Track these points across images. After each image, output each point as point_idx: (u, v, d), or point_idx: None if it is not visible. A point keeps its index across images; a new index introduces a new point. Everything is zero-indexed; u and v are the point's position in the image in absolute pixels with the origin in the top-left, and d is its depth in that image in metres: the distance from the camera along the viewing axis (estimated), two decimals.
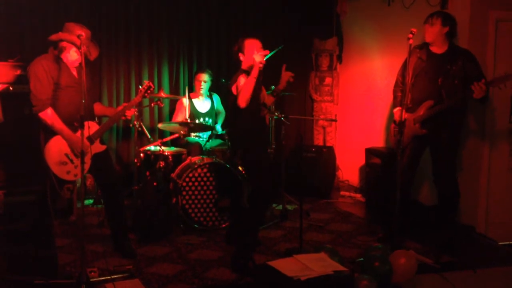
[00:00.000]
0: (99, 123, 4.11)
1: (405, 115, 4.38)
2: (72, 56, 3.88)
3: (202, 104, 5.85)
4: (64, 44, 3.86)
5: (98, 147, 4.02)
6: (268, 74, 6.19)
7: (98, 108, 4.28)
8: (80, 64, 3.73)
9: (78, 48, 3.74)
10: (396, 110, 4.57)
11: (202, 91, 5.79)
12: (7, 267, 3.68)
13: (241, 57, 4.16)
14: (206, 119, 5.78)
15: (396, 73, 4.72)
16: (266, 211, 4.89)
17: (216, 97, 6.00)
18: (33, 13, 5.48)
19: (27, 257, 3.84)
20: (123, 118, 4.20)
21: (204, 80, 5.76)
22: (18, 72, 4.71)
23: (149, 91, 4.17)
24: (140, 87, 4.21)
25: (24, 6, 5.43)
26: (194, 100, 5.81)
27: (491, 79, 4.13)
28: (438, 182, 4.44)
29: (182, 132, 5.22)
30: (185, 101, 5.39)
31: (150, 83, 4.18)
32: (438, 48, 4.37)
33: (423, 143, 4.44)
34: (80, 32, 3.68)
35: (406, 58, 4.56)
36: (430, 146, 4.45)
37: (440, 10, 4.45)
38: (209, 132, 5.71)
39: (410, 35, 3.95)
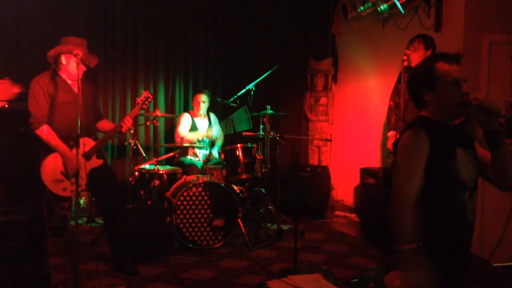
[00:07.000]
0: (95, 139, 4.09)
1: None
2: (72, 67, 3.87)
3: (202, 122, 5.88)
4: (63, 57, 3.89)
5: (94, 162, 4.00)
6: (263, 93, 6.31)
7: (105, 125, 4.28)
8: (83, 74, 3.72)
9: (76, 55, 3.65)
10: (390, 134, 4.61)
11: (201, 112, 5.80)
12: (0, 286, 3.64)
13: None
14: (205, 138, 5.80)
15: (390, 93, 4.76)
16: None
17: (213, 117, 6.02)
18: (31, 32, 5.51)
19: (20, 276, 3.80)
20: (121, 135, 4.18)
21: (203, 100, 5.76)
22: (15, 89, 4.71)
23: (147, 102, 4.13)
24: (138, 98, 4.17)
25: (22, 25, 5.46)
26: (194, 118, 5.85)
27: None
28: None
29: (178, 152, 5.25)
30: (187, 117, 5.56)
31: (149, 93, 4.12)
32: None
33: None
34: (75, 41, 3.71)
35: (396, 83, 4.63)
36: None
37: (420, 34, 4.50)
38: (207, 150, 5.74)
39: (405, 57, 3.99)
